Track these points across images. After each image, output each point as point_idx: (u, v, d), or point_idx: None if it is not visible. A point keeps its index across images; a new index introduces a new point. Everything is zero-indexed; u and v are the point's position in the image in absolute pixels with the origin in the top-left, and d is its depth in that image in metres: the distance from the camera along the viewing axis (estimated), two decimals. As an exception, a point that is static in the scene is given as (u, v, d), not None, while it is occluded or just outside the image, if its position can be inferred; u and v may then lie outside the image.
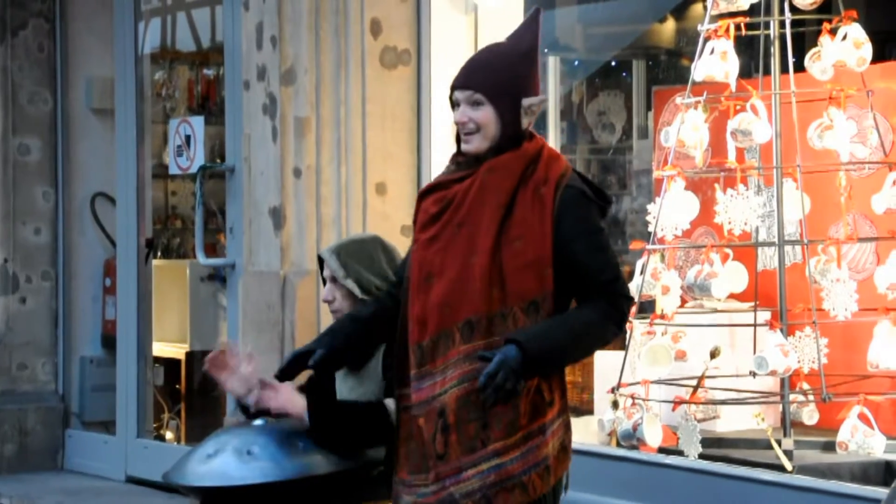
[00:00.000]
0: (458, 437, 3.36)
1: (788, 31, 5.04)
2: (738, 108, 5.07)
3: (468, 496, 3.35)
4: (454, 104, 3.51)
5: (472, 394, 3.33)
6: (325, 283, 4.00)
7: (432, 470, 3.39)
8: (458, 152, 3.54)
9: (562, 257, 3.40)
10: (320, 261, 4.00)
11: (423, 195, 3.58)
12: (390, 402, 3.61)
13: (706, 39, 5.10)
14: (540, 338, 3.32)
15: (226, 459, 3.40)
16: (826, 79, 5.06)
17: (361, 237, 4.17)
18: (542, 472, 3.37)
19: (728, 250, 5.14)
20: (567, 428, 3.47)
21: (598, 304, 3.41)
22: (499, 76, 3.46)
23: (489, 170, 3.44)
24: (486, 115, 3.44)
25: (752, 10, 5.14)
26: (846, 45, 5.00)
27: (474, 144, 3.47)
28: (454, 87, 3.51)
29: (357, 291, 3.88)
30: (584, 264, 3.40)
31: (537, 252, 3.38)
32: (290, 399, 3.62)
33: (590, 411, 5.99)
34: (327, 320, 4.09)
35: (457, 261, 3.41)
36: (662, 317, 5.10)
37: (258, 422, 3.50)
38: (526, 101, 3.47)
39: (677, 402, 5.00)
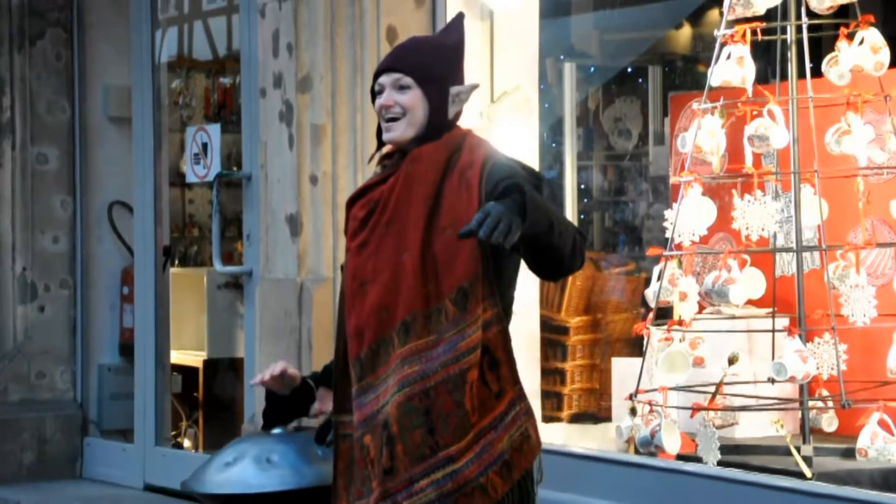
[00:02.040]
0: (405, 447, 3.14)
1: (805, 35, 5.04)
2: (754, 113, 5.06)
3: None
4: (377, 93, 3.32)
5: (414, 398, 3.14)
6: None
7: (377, 488, 3.17)
8: (386, 155, 3.34)
9: None
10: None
11: (351, 202, 3.38)
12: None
13: (723, 45, 5.10)
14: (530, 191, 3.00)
15: (245, 467, 3.39)
16: (843, 84, 5.06)
17: None
18: (501, 469, 3.14)
19: (746, 256, 5.13)
20: (529, 415, 3.22)
21: None
22: (427, 61, 3.30)
23: (412, 161, 3.25)
24: (413, 98, 3.27)
25: (769, 15, 5.13)
26: (863, 50, 5.00)
27: (398, 132, 3.27)
28: (378, 73, 3.32)
29: None
30: None
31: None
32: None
33: (608, 418, 5.99)
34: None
35: (389, 262, 3.22)
36: (680, 323, 5.09)
37: (277, 430, 3.50)
38: (454, 89, 3.30)
39: (695, 409, 4.99)
